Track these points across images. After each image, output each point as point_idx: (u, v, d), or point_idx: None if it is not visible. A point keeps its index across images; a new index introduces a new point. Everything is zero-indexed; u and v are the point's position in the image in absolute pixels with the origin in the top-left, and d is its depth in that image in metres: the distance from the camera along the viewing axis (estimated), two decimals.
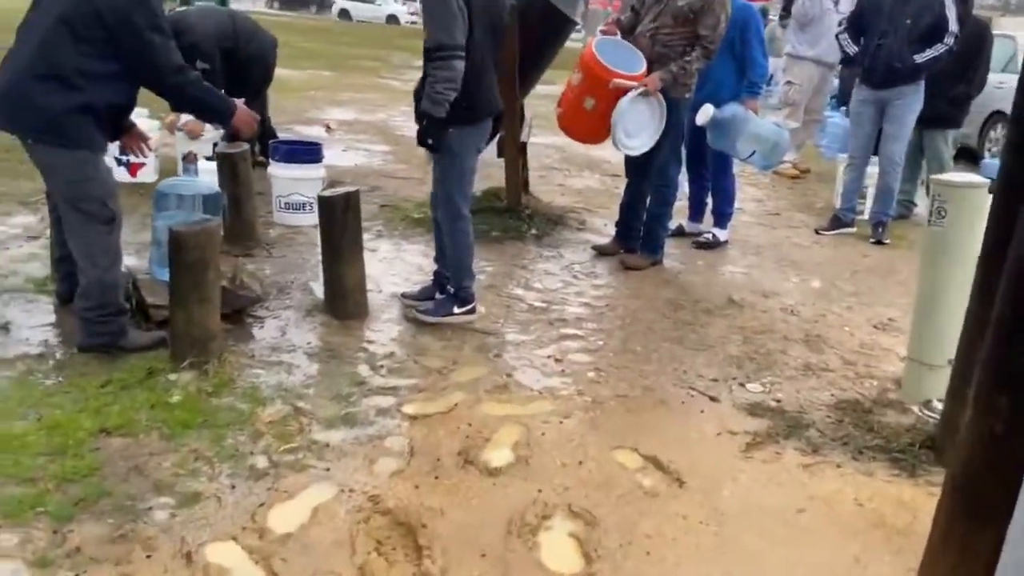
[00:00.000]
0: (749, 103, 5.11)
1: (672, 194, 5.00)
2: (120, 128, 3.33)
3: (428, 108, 3.48)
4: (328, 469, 2.62)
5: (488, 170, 6.10)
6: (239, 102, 3.46)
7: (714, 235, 5.52)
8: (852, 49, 5.95)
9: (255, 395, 3.03)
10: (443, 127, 3.52)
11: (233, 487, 2.49)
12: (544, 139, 9.39)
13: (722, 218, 5.57)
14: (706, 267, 5.16)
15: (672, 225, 5.38)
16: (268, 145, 5.73)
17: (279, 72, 6.58)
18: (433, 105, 3.46)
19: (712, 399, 3.35)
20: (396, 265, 4.67)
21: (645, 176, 4.88)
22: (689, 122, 4.93)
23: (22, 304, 3.63)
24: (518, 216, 5.45)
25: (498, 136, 5.42)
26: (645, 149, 4.58)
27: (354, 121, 9.21)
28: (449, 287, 3.89)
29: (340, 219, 3.70)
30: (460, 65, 3.42)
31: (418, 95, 3.65)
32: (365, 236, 5.09)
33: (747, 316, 4.31)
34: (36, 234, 4.46)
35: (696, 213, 5.75)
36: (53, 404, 2.82)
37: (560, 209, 5.95)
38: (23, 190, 5.10)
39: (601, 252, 5.10)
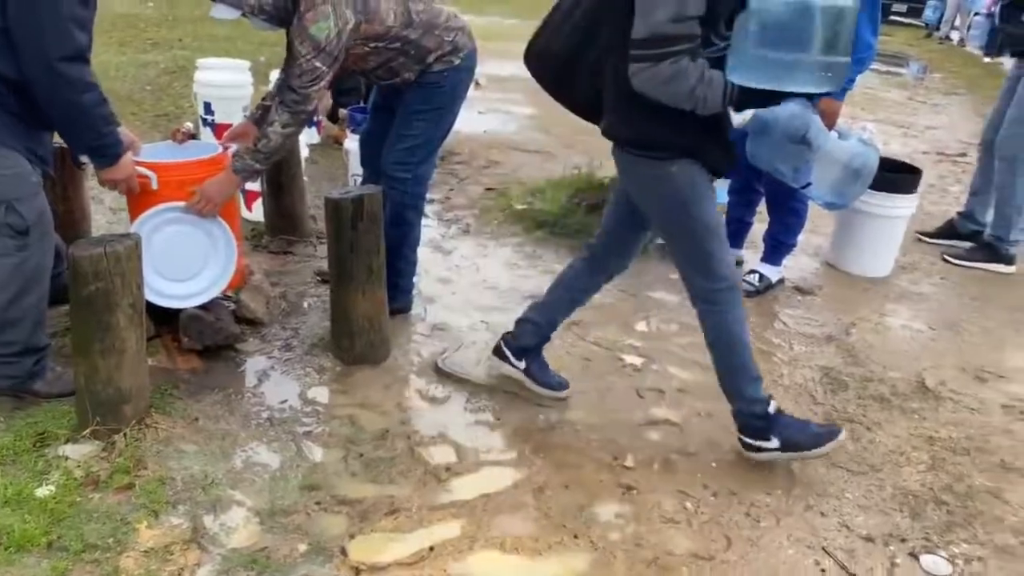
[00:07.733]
0: (826, 104, 3.10)
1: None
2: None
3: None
4: None
5: None
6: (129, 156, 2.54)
7: (760, 276, 3.64)
8: None
9: (156, 495, 2.13)
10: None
11: None
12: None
13: (778, 250, 3.66)
14: (895, 313, 3.65)
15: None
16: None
17: None
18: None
19: None
20: (466, 275, 3.62)
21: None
22: None
23: None
24: None
25: None
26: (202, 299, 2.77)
27: (509, 77, 8.11)
28: (735, 414, 2.41)
29: (348, 232, 2.70)
30: None
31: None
32: (449, 230, 4.13)
33: (944, 415, 2.84)
34: None
35: (732, 235, 3.47)
36: None
37: None
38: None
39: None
